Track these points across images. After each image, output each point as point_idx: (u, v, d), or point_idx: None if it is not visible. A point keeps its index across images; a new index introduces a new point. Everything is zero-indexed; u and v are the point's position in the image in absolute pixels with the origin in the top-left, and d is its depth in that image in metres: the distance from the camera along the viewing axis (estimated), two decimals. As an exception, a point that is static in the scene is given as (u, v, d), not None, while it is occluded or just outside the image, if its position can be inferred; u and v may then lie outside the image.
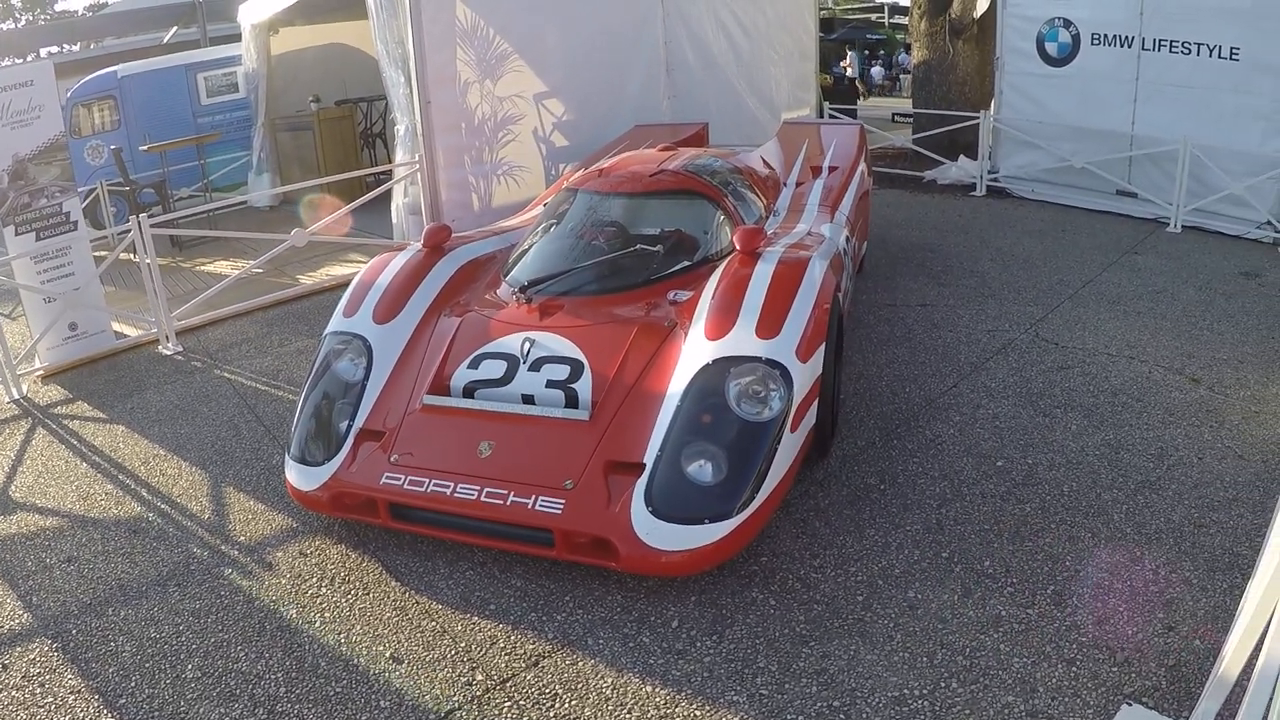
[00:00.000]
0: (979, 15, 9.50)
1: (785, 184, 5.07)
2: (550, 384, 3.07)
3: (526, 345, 3.26)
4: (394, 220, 7.45)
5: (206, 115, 11.49)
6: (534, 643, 2.67)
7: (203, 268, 7.96)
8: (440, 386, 3.26)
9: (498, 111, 7.29)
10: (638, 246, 3.70)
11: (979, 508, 3.25)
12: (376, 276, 3.73)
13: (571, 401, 3.02)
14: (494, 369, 3.21)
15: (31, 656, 2.80)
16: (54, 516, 3.71)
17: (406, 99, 6.99)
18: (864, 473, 3.51)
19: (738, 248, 3.38)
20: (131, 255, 5.94)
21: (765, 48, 9.18)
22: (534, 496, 2.71)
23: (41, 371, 5.61)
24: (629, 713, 2.35)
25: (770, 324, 2.88)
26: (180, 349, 5.75)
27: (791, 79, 9.64)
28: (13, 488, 3.99)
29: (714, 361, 2.81)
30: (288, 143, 9.94)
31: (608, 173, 4.28)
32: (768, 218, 4.47)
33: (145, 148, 9.56)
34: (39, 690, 2.65)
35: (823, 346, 3.02)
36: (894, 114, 15.39)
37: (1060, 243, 6.88)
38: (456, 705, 2.44)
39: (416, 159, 6.98)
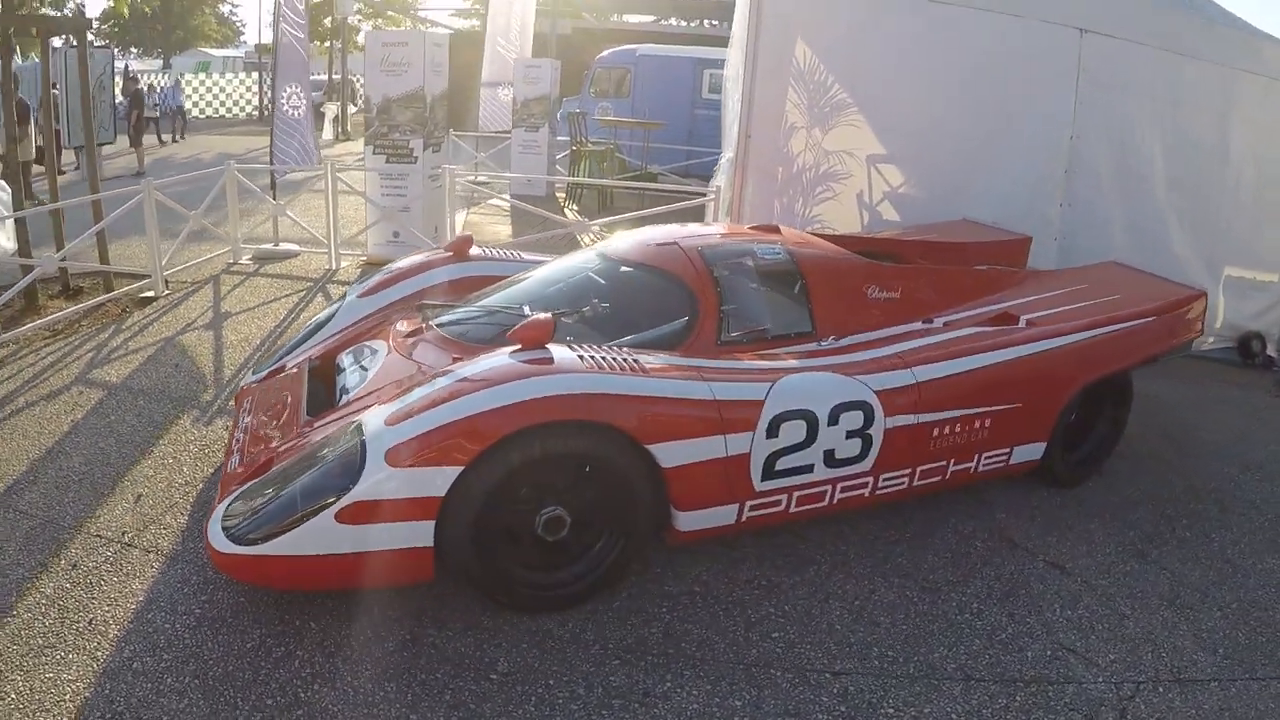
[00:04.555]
0: None
1: (942, 317, 4.01)
2: (327, 386, 3.38)
3: (365, 351, 3.47)
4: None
5: (704, 108, 13.09)
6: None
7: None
8: (313, 359, 3.70)
9: (820, 164, 6.84)
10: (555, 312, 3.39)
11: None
12: (401, 264, 4.27)
13: (326, 405, 3.19)
14: (345, 361, 3.52)
15: None
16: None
17: (731, 128, 7.08)
18: None
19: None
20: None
21: (1233, 184, 6.54)
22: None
23: (365, 259, 7.53)
24: None
25: (401, 416, 2.56)
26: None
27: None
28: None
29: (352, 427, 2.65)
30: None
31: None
32: (823, 338, 3.60)
33: (600, 119, 11.42)
34: None
35: (453, 470, 2.46)
36: None
37: None
38: None
39: (712, 191, 7.07)
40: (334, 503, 2.46)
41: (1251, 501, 4.04)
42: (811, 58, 6.57)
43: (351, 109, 22.31)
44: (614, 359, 2.75)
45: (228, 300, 6.33)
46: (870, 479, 3.22)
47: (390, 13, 25.96)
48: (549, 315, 2.82)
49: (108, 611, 2.74)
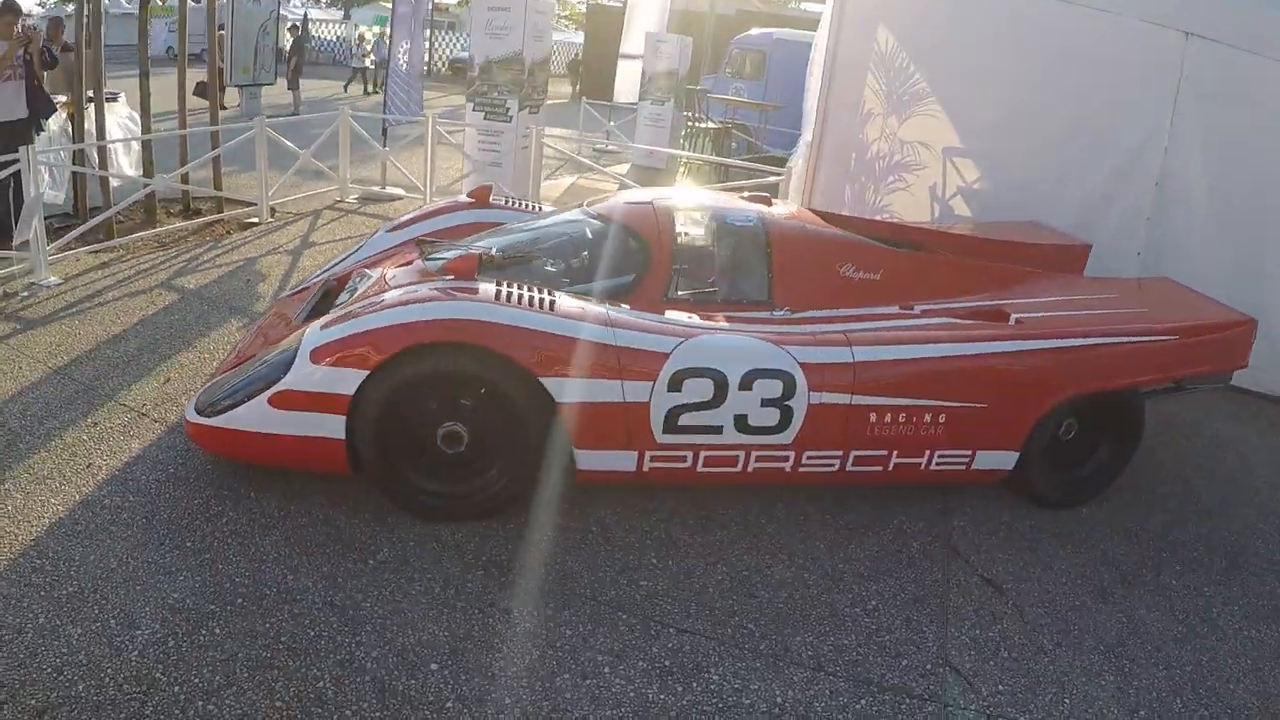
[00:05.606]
0: None
1: (927, 305, 3.94)
2: (315, 305, 3.77)
3: (366, 275, 3.93)
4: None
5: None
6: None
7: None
8: (330, 280, 4.15)
9: (894, 153, 6.80)
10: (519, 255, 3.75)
11: None
12: (428, 206, 4.81)
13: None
14: (351, 283, 3.92)
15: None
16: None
17: (811, 112, 7.14)
18: None
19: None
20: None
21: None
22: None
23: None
24: None
25: (337, 321, 2.99)
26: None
27: None
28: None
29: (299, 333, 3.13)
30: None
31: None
32: (778, 307, 3.70)
33: (716, 95, 11.60)
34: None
35: (360, 374, 2.86)
36: None
37: None
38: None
39: (784, 172, 7.17)
40: (268, 389, 2.94)
41: (1273, 562, 3.60)
42: (893, 43, 6.53)
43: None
44: (527, 296, 3.05)
45: (319, 232, 7.09)
46: (791, 453, 3.24)
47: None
48: (478, 250, 3.16)
49: (105, 461, 3.35)
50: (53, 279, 5.24)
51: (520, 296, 3.04)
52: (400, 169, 8.33)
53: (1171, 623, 3.11)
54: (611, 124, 13.63)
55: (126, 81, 7.95)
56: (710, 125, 11.47)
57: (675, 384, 3.05)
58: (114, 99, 7.20)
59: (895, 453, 3.38)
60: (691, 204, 4.00)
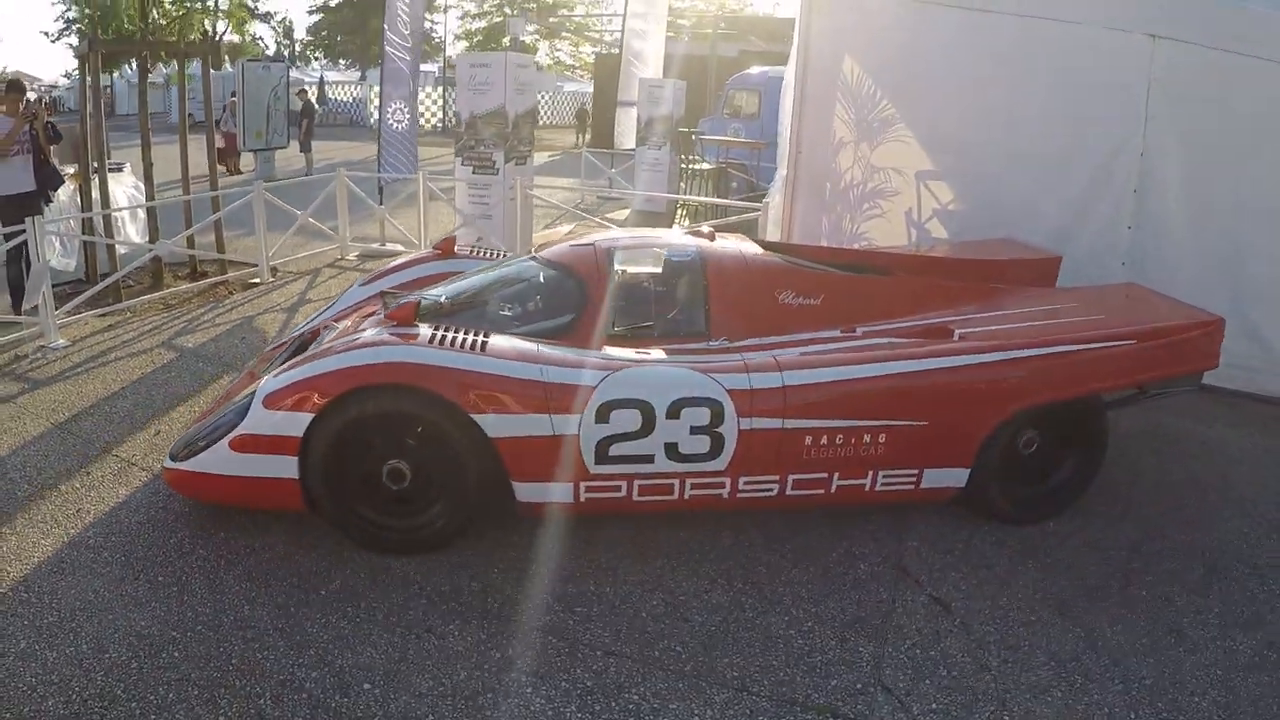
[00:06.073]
0: None
1: (870, 326, 4.03)
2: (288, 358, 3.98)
3: (329, 329, 4.26)
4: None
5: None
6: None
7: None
8: (305, 333, 4.45)
9: (868, 180, 6.86)
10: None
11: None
12: (397, 260, 5.18)
13: None
14: (324, 336, 4.18)
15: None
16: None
17: (785, 145, 7.42)
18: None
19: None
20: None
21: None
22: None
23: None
24: None
25: (288, 369, 3.34)
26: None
27: None
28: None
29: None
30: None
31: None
32: (716, 337, 3.86)
33: (706, 137, 12.01)
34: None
35: (307, 417, 3.18)
36: None
37: None
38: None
39: (761, 207, 7.46)
40: (228, 434, 3.27)
41: (1256, 567, 3.49)
42: (859, 72, 6.64)
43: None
44: (460, 339, 3.36)
45: (317, 289, 7.51)
46: (727, 479, 3.38)
47: (565, 34, 27.90)
48: (416, 298, 3.49)
49: (93, 506, 3.69)
50: (61, 341, 5.67)
51: (453, 339, 3.35)
52: (396, 226, 8.78)
53: (1135, 636, 3.04)
54: (613, 171, 14.09)
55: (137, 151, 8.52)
56: (705, 166, 11.87)
57: (603, 415, 3.26)
58: (119, 169, 7.74)
59: (836, 475, 3.45)
60: (633, 243, 4.26)
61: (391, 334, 3.35)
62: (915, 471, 3.53)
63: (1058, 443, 3.77)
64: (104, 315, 6.36)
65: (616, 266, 3.99)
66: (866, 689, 2.74)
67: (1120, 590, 3.30)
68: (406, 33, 9.12)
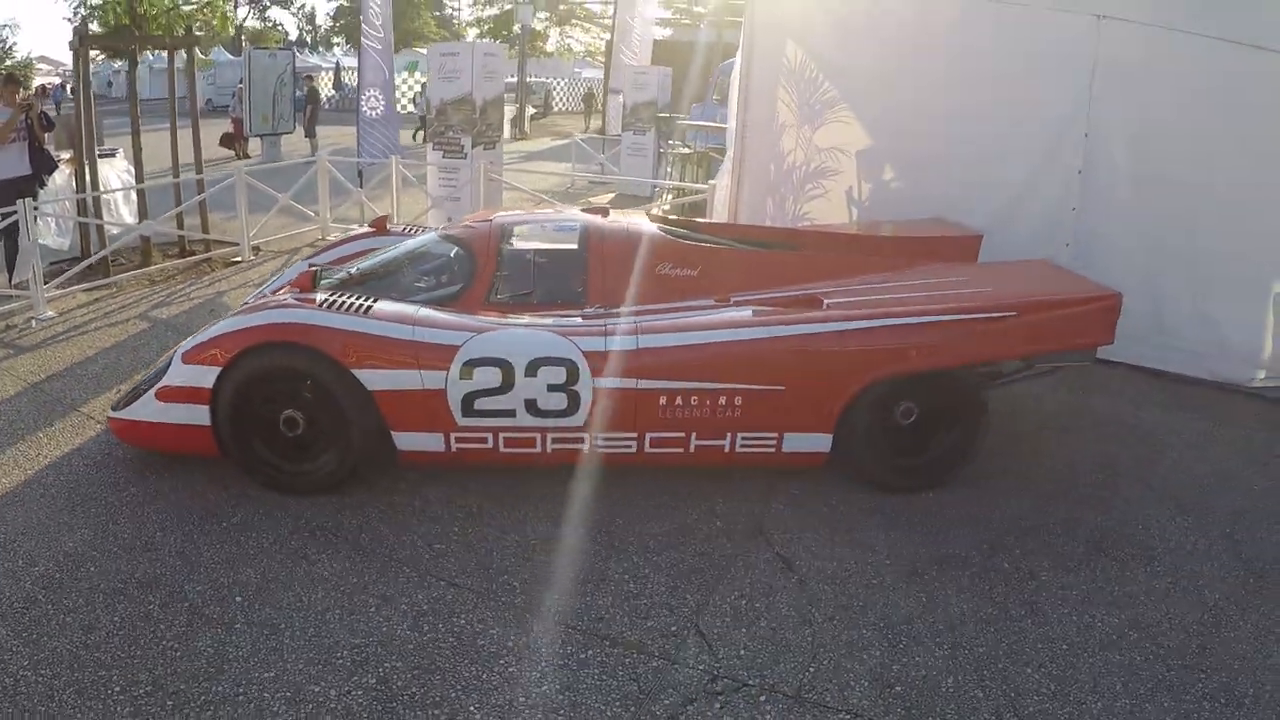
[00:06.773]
0: None
1: (743, 296, 4.22)
2: None
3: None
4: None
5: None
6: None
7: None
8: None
9: (811, 161, 7.02)
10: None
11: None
12: (336, 236, 5.68)
13: None
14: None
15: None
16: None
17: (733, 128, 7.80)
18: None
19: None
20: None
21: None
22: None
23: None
24: None
25: (201, 330, 4.00)
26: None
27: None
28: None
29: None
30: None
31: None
32: (591, 305, 4.17)
33: (688, 122, 12.42)
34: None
35: (215, 370, 3.75)
36: None
37: None
38: None
39: (707, 188, 7.89)
40: (154, 385, 3.87)
41: (1147, 549, 3.47)
42: (802, 56, 6.85)
43: (530, 110, 24.77)
44: (347, 303, 3.91)
45: (292, 267, 8.10)
46: (585, 435, 3.75)
47: (575, 21, 28.28)
48: (314, 267, 4.06)
49: (51, 451, 4.31)
50: (49, 313, 6.34)
51: (340, 304, 3.90)
52: (373, 208, 9.35)
53: (982, 605, 3.06)
54: (603, 156, 14.55)
55: (156, 135, 9.00)
56: (685, 151, 12.28)
57: (467, 373, 3.69)
58: (112, 154, 8.41)
59: (694, 435, 3.73)
60: (527, 219, 4.74)
61: (293, 299, 3.92)
62: (775, 435, 3.77)
63: (936, 414, 3.87)
64: (91, 290, 7.03)
65: (507, 241, 4.46)
66: (681, 632, 2.95)
67: (983, 561, 3.33)
68: (379, 23, 9.65)
